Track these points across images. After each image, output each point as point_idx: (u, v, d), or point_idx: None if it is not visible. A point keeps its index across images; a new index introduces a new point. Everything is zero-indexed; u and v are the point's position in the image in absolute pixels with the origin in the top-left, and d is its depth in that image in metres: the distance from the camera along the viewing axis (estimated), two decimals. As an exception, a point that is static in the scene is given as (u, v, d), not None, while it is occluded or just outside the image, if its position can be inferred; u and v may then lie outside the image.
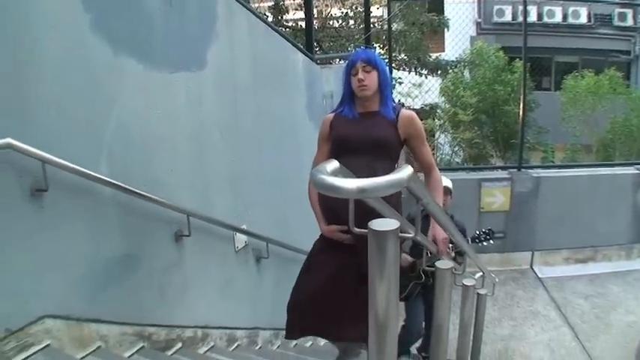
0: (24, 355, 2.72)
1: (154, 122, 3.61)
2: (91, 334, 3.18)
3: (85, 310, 3.13)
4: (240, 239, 4.76)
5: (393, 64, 10.36)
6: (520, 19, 16.58)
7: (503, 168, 10.36)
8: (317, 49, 8.63)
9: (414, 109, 13.36)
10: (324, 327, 3.43)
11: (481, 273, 5.11)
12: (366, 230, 1.69)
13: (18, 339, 2.71)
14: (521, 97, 9.82)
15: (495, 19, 18.72)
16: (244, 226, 4.65)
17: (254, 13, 4.92)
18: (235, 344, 4.76)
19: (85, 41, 3.02)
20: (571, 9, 18.90)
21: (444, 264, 3.29)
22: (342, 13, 10.84)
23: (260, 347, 5.13)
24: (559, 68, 19.33)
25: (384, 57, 9.72)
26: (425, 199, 2.28)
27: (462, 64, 13.19)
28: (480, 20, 18.88)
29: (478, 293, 4.95)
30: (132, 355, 3.45)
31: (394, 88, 10.35)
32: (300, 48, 5.91)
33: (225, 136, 4.42)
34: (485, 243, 5.34)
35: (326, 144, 3.44)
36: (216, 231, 4.30)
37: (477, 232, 5.39)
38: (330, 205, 3.23)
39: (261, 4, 9.91)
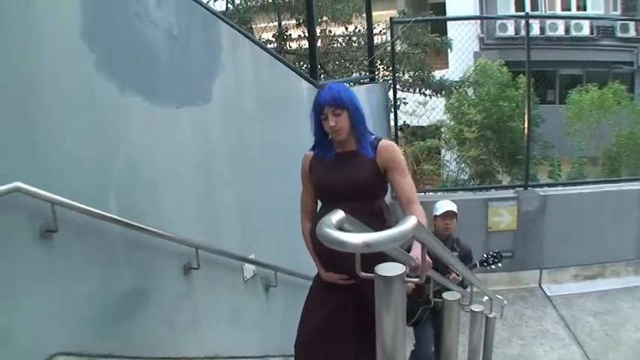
0: (38, 393, 2.72)
1: (160, 158, 3.64)
2: (101, 371, 3.20)
3: (97, 346, 3.13)
4: (249, 269, 4.78)
5: (398, 85, 10.36)
6: (523, 33, 16.83)
7: (509, 187, 10.34)
8: (321, 72, 8.65)
9: (420, 127, 13.42)
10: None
11: (488, 297, 5.12)
12: (372, 275, 1.72)
13: (31, 378, 2.71)
14: (526, 117, 9.81)
15: (498, 33, 18.88)
16: (252, 256, 4.67)
17: (258, 44, 4.97)
18: (244, 374, 4.78)
19: (90, 82, 3.05)
20: (573, 22, 19.00)
21: (451, 295, 3.32)
22: (344, 35, 10.90)
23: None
24: (563, 81, 19.45)
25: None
26: (430, 244, 2.32)
27: (466, 84, 13.19)
28: (482, 35, 19.01)
29: (487, 317, 4.95)
30: (143, 387, 3.45)
31: (399, 108, 10.35)
32: (304, 76, 5.95)
33: (231, 167, 4.45)
34: (493, 266, 5.33)
35: (309, 184, 3.41)
36: (225, 262, 4.32)
37: (485, 256, 5.39)
38: (326, 251, 3.08)
39: (263, 34, 9.98)
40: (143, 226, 3.35)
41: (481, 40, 18.80)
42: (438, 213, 5.31)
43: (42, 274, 2.79)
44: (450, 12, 19.43)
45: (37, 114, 2.73)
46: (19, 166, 2.60)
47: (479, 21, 18.70)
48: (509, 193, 9.54)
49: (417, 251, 2.90)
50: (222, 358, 4.42)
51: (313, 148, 3.42)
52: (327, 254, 3.16)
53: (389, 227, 2.73)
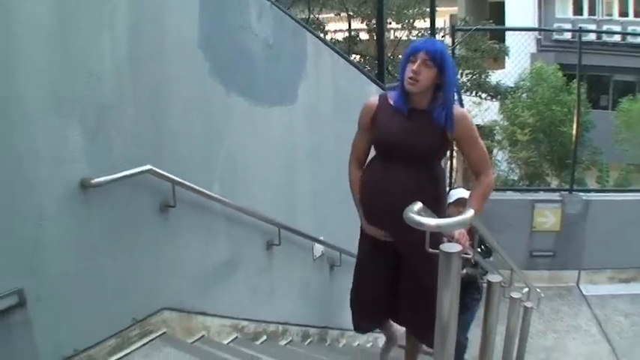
0: (145, 340, 3.19)
1: (254, 149, 4.12)
2: (198, 325, 3.68)
3: (194, 305, 3.63)
4: (318, 249, 5.23)
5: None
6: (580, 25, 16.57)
7: (555, 190, 10.42)
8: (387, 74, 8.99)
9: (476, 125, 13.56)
10: (382, 316, 3.52)
11: (527, 288, 5.30)
12: (437, 250, 2.18)
13: (141, 327, 3.19)
14: (574, 125, 9.85)
15: (555, 36, 18.42)
16: (322, 237, 5.11)
17: (336, 51, 5.37)
18: (308, 340, 5.22)
19: (204, 85, 3.54)
20: (630, 28, 18.60)
21: (494, 277, 3.63)
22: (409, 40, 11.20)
23: (329, 344, 5.58)
24: (617, 87, 19.00)
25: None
26: (481, 230, 2.77)
27: (521, 90, 13.24)
28: (540, 37, 18.60)
29: (525, 306, 5.18)
30: (228, 343, 3.92)
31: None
32: (374, 79, 6.30)
33: (309, 160, 4.90)
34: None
35: (366, 133, 3.16)
36: (300, 241, 4.78)
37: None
38: (377, 207, 3.09)
39: (335, 35, 10.35)
40: (238, 206, 3.85)
41: (538, 41, 18.32)
42: (451, 200, 5.05)
43: (157, 241, 3.28)
44: (509, 11, 19.10)
45: (163, 110, 3.23)
46: (149, 152, 3.09)
47: (537, 23, 18.48)
48: (555, 195, 9.63)
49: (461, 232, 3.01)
50: (291, 324, 4.90)
51: (383, 96, 3.13)
52: (376, 210, 3.09)
53: (441, 192, 2.99)
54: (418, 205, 2.28)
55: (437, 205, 2.89)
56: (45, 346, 2.60)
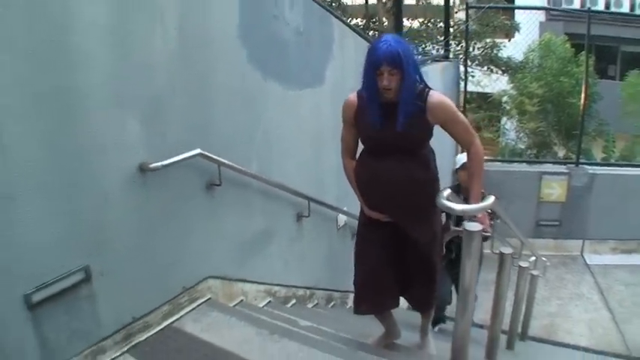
0: (193, 305, 3.43)
1: (287, 129, 4.31)
2: (237, 291, 3.91)
3: (234, 273, 3.87)
4: (341, 219, 5.43)
5: (468, 60, 10.70)
6: (589, 6, 16.02)
7: (562, 163, 10.48)
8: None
9: (485, 93, 13.53)
10: (385, 300, 3.28)
11: (534, 257, 5.43)
12: (461, 229, 2.41)
13: (190, 294, 3.43)
14: (582, 103, 9.95)
15: (564, 5, 17.90)
16: (345, 208, 5.30)
17: (359, 34, 5.50)
18: (332, 303, 5.47)
19: (243, 72, 3.71)
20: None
21: (506, 249, 3.78)
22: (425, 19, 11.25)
23: (349, 306, 5.80)
24: (625, 57, 18.71)
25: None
26: (499, 212, 2.97)
27: (529, 67, 13.17)
28: (549, 6, 18.22)
29: (532, 274, 5.32)
30: (263, 306, 4.15)
31: (465, 80, 10.51)
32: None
33: (335, 137, 5.01)
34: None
35: (351, 127, 3.07)
36: (326, 212, 4.98)
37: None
38: (376, 193, 3.03)
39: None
40: (274, 181, 4.07)
41: (547, 11, 18.03)
42: (457, 166, 5.06)
43: (204, 216, 3.49)
44: None
45: (209, 97, 3.41)
46: (197, 136, 3.28)
47: None
48: (562, 168, 9.72)
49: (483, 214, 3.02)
50: (317, 289, 5.13)
51: (359, 94, 3.00)
52: (375, 198, 3.05)
53: (433, 173, 2.97)
54: (447, 192, 2.59)
55: (430, 185, 2.95)
56: (107, 315, 2.82)
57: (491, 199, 2.69)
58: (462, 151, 3.36)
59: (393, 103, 2.77)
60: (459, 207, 2.52)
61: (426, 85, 2.86)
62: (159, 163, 2.89)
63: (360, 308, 3.26)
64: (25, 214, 2.31)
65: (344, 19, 5.25)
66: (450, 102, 2.86)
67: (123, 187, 2.79)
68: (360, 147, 3.13)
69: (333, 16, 4.90)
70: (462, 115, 2.92)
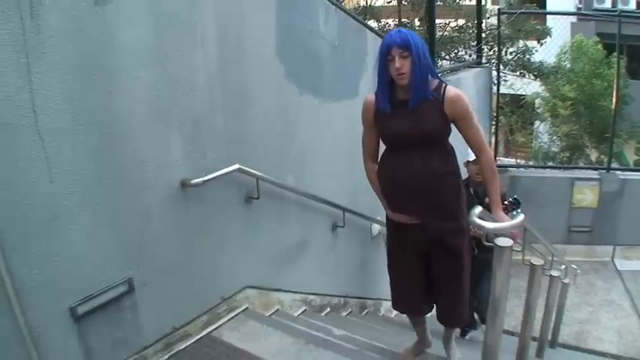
0: (231, 315, 3.49)
1: (322, 142, 4.35)
2: (273, 300, 3.95)
3: (271, 283, 3.92)
4: (375, 228, 5.44)
5: (500, 64, 10.61)
6: (620, 6, 15.80)
7: (593, 168, 10.30)
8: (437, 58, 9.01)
9: (518, 96, 13.39)
10: (417, 306, 3.28)
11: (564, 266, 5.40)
12: (491, 244, 2.43)
13: (228, 304, 3.49)
14: (613, 109, 9.78)
15: (596, 5, 17.36)
16: (379, 217, 5.30)
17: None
18: (365, 311, 5.48)
19: (281, 87, 3.76)
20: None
21: (536, 260, 3.77)
22: (457, 25, 11.20)
23: (382, 314, 5.83)
24: None
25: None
26: (527, 226, 2.98)
27: (561, 71, 13.01)
28: (580, 6, 17.68)
29: (562, 282, 5.29)
30: (298, 315, 4.19)
31: (498, 84, 10.50)
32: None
33: (369, 148, 5.09)
34: (514, 212, 4.58)
35: (372, 128, 3.06)
36: (360, 222, 5.00)
37: (506, 203, 4.67)
38: (398, 196, 3.00)
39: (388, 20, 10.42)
40: (309, 193, 4.11)
41: (579, 10, 17.60)
42: (470, 158, 4.89)
43: (242, 228, 3.55)
44: None
45: (247, 113, 3.46)
46: (236, 151, 3.34)
47: None
48: (593, 174, 9.56)
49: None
50: (351, 297, 5.15)
51: (376, 93, 2.98)
52: (398, 198, 3.02)
53: (454, 167, 2.93)
54: (479, 209, 2.62)
55: (452, 179, 2.93)
56: (148, 325, 2.90)
57: (521, 217, 2.76)
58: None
59: (407, 101, 2.78)
60: (490, 225, 2.53)
61: (442, 81, 2.84)
62: (200, 179, 2.95)
63: (396, 308, 3.32)
64: (70, 230, 2.39)
65: (377, 30, 5.23)
66: (467, 98, 2.84)
67: (165, 202, 2.86)
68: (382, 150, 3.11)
69: (367, 28, 4.92)
70: (477, 122, 2.91)
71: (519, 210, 4.59)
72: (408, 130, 2.81)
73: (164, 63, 2.77)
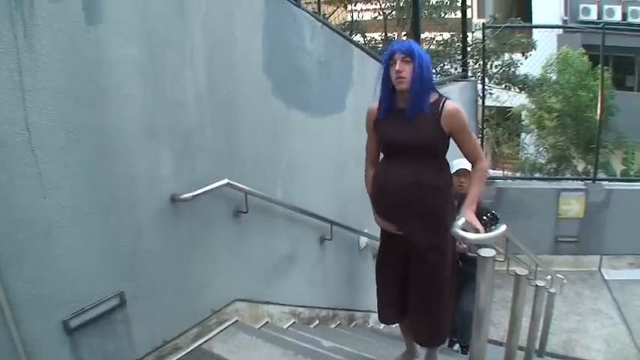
0: (221, 327, 3.51)
1: (310, 156, 4.41)
2: (263, 313, 3.99)
3: (261, 296, 3.96)
4: (363, 241, 5.50)
5: (486, 77, 10.73)
6: (606, 17, 15.97)
7: (579, 179, 10.43)
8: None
9: (504, 108, 13.48)
10: (397, 314, 3.34)
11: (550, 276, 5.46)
12: (475, 255, 2.52)
13: (218, 316, 3.52)
14: (598, 120, 9.93)
15: (581, 17, 17.30)
16: (366, 230, 5.37)
17: (377, 59, 5.58)
18: (354, 323, 5.52)
19: (268, 102, 3.82)
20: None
21: (521, 270, 3.80)
22: (442, 39, 11.32)
23: (371, 326, 5.87)
24: None
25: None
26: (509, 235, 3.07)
27: (547, 83, 13.10)
28: (566, 18, 17.49)
29: (548, 292, 5.35)
30: (288, 327, 4.23)
31: (483, 97, 10.65)
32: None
33: (356, 161, 5.09)
34: (493, 227, 4.84)
35: (373, 134, 3.17)
36: (347, 235, 5.06)
37: (484, 218, 4.63)
38: (388, 205, 3.11)
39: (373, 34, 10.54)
40: (297, 207, 4.16)
41: (565, 22, 17.36)
42: (452, 171, 4.86)
43: (231, 241, 3.59)
44: None
45: (235, 129, 3.52)
46: (225, 166, 3.39)
47: (562, 3, 17.78)
48: (579, 184, 9.69)
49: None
50: (339, 309, 5.20)
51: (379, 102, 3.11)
52: (383, 203, 3.14)
53: (444, 181, 3.03)
54: (461, 221, 2.66)
55: (440, 193, 3.01)
56: (140, 338, 2.93)
57: (502, 228, 2.78)
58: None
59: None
60: (472, 237, 2.59)
61: (442, 95, 2.95)
62: (189, 194, 3.00)
63: (380, 316, 3.39)
64: (63, 245, 2.42)
65: (364, 45, 5.31)
66: (464, 113, 2.94)
67: (155, 217, 2.90)
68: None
69: (353, 44, 5.00)
70: (472, 133, 3.03)
71: (498, 225, 4.62)
72: (402, 138, 2.92)
73: (154, 80, 2.82)
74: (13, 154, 2.18)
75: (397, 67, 2.81)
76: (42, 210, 2.32)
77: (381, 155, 3.21)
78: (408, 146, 2.93)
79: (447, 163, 3.09)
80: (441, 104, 2.88)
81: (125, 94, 2.65)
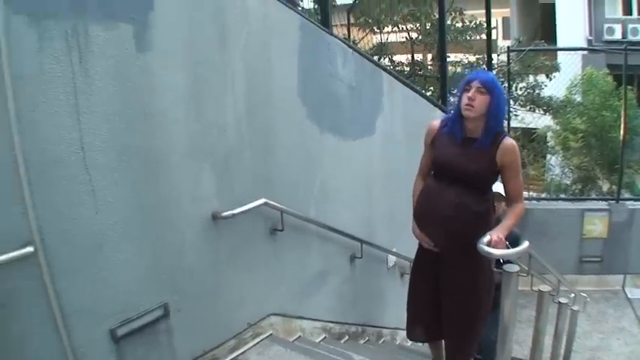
0: (257, 340, 3.60)
1: (341, 178, 4.52)
2: (296, 327, 4.08)
3: (294, 311, 4.05)
4: (391, 259, 5.57)
5: (511, 99, 10.77)
6: (630, 37, 15.87)
7: (603, 199, 10.36)
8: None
9: (529, 129, 13.39)
10: (427, 332, 3.41)
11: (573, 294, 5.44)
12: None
13: (253, 330, 3.61)
14: (621, 140, 9.96)
15: (606, 37, 17.05)
16: (395, 249, 5.45)
17: (406, 84, 5.69)
18: (382, 339, 5.56)
19: (303, 127, 3.96)
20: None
21: (544, 287, 3.85)
22: (468, 61, 11.36)
23: (398, 343, 5.91)
24: None
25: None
26: (533, 253, 3.11)
27: (571, 104, 13.01)
28: (591, 38, 17.34)
29: (571, 309, 5.34)
30: (319, 341, 4.29)
31: (509, 118, 10.64)
32: (437, 104, 6.60)
33: (385, 182, 5.24)
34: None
35: (429, 150, 3.23)
36: (376, 253, 5.14)
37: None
38: (426, 201, 3.18)
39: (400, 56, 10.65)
40: (330, 226, 4.25)
41: (589, 42, 17.32)
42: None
43: (267, 258, 3.71)
44: (560, 11, 17.48)
45: (272, 151, 3.65)
46: (262, 186, 3.52)
47: (587, 23, 17.59)
48: (603, 204, 9.67)
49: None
50: (369, 325, 5.26)
51: (444, 121, 3.17)
52: (424, 217, 3.20)
53: (486, 208, 3.05)
54: (487, 238, 2.71)
55: (482, 219, 3.02)
56: (181, 348, 3.04)
57: (525, 244, 2.89)
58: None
59: (473, 139, 2.96)
60: (497, 252, 2.66)
61: (503, 131, 3.01)
62: (230, 212, 3.12)
63: (408, 333, 3.49)
64: (113, 258, 2.56)
65: (392, 71, 5.43)
66: (519, 152, 2.99)
67: (198, 233, 3.03)
68: None
69: (382, 69, 5.12)
70: (521, 175, 3.05)
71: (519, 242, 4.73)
72: (457, 165, 2.98)
73: (198, 106, 2.96)
74: (68, 172, 2.32)
75: (470, 94, 2.85)
76: (95, 225, 2.45)
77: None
78: (459, 173, 2.98)
79: (491, 191, 3.14)
80: (500, 138, 2.94)
81: (171, 118, 2.80)
